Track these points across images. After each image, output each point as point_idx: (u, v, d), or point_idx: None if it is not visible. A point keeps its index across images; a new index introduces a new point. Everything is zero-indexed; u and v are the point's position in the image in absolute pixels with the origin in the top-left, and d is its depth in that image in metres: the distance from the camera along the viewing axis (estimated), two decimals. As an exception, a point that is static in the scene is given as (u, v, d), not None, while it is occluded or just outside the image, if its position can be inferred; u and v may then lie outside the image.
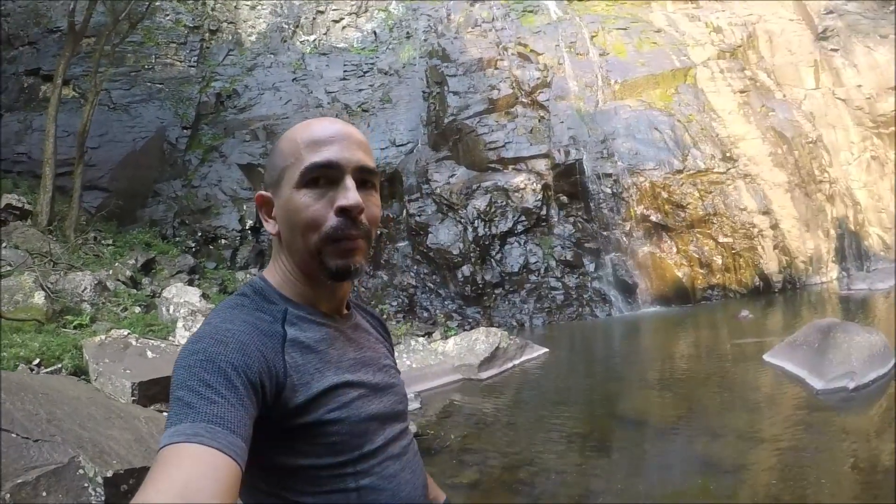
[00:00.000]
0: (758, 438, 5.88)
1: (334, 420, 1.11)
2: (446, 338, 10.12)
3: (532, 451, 6.05)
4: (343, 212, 1.13)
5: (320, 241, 1.14)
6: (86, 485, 4.00)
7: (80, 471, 4.04)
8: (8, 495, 3.46)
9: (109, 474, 4.12)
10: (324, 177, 1.14)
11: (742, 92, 16.46)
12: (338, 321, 1.25)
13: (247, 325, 1.09)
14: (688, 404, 7.25)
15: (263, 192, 1.23)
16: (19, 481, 3.58)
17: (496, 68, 16.51)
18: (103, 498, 3.97)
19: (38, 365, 7.23)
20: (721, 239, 14.58)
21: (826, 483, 4.72)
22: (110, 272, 11.20)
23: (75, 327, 8.80)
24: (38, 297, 9.02)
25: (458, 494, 5.11)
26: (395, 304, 13.59)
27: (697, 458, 5.57)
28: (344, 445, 1.12)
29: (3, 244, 11.18)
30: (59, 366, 7.20)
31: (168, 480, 0.84)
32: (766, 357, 8.37)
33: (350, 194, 1.13)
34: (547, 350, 10.22)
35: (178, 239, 14.26)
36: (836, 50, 17.33)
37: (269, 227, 1.23)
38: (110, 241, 13.25)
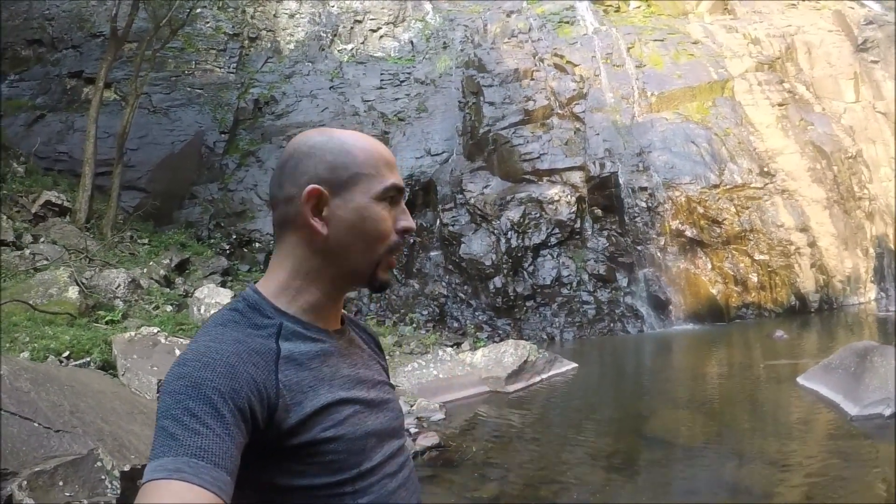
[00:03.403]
0: (788, 465, 5.70)
1: (330, 438, 1.09)
2: (475, 349, 10.04)
3: (555, 468, 5.97)
4: (405, 232, 1.22)
5: (383, 254, 1.19)
6: (103, 477, 4.02)
7: (98, 463, 4.07)
8: (25, 482, 3.48)
9: (127, 468, 4.15)
10: (394, 197, 1.21)
11: (780, 105, 16.15)
12: (333, 336, 1.21)
13: (237, 345, 1.05)
14: (717, 426, 7.10)
15: (320, 187, 1.16)
16: (37, 469, 3.61)
17: (532, 79, 16.46)
18: (119, 491, 3.98)
19: (68, 357, 7.32)
20: (757, 256, 14.29)
21: None
22: (144, 270, 11.35)
23: (107, 323, 8.92)
24: (72, 292, 9.17)
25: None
26: (425, 313, 13.54)
27: (725, 483, 5.44)
28: (342, 464, 1.10)
29: (42, 239, 11.42)
30: (88, 359, 7.28)
31: None
32: (799, 380, 8.15)
33: (410, 218, 1.25)
34: (576, 365, 10.05)
35: (212, 241, 14.40)
36: (876, 62, 16.92)
37: (318, 225, 1.16)
38: (146, 241, 13.46)
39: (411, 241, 14.85)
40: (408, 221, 1.22)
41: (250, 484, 1.04)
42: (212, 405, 0.95)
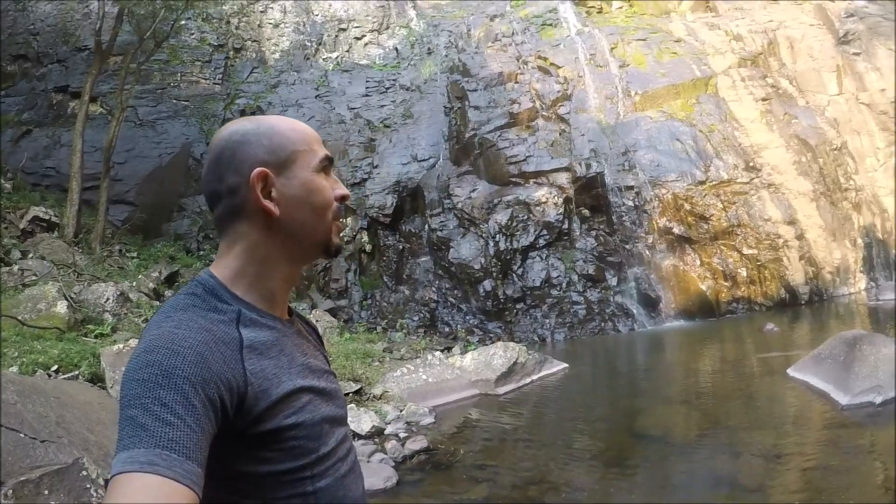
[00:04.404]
0: (782, 456, 5.68)
1: (293, 425, 1.11)
2: (465, 353, 10.06)
3: (546, 468, 5.92)
4: (343, 199, 1.27)
5: (330, 221, 1.24)
6: (88, 486, 4.02)
7: (84, 472, 4.07)
8: (10, 492, 3.49)
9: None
10: (327, 167, 1.26)
11: (764, 100, 16.24)
12: (285, 325, 1.24)
13: (203, 333, 1.05)
14: (710, 420, 7.05)
15: (266, 169, 1.18)
16: (22, 479, 3.61)
17: (516, 82, 16.53)
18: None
19: (56, 371, 7.34)
20: (745, 250, 14.35)
21: (851, 500, 4.54)
22: (133, 284, 11.35)
23: (96, 336, 8.93)
24: (61, 307, 9.17)
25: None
26: (416, 318, 13.57)
27: (720, 477, 5.40)
28: (302, 449, 1.13)
29: (30, 255, 11.41)
30: (77, 373, 7.29)
31: None
32: (790, 371, 8.13)
33: (343, 186, 1.30)
34: (566, 365, 10.06)
35: (202, 253, 14.40)
36: (858, 54, 17.04)
37: (271, 206, 1.17)
38: (135, 254, 13.47)
39: (400, 247, 14.90)
40: (343, 189, 1.28)
41: (214, 473, 1.02)
42: (183, 395, 0.94)
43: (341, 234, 1.30)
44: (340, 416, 1.27)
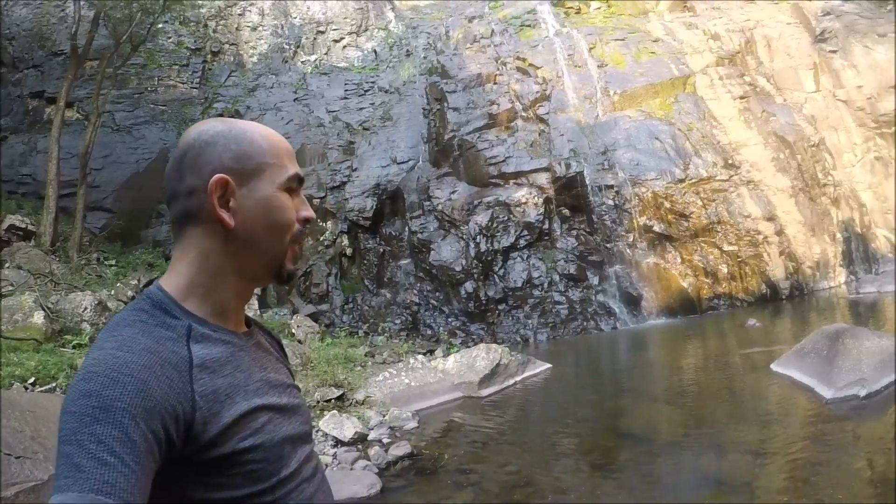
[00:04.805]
0: (767, 453, 5.68)
1: (250, 448, 1.05)
2: (447, 355, 10.03)
3: (531, 470, 5.92)
4: (306, 221, 1.20)
5: (288, 243, 1.18)
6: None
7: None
8: (-14, 510, 3.46)
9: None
10: (294, 188, 1.20)
11: (742, 98, 16.37)
12: (242, 339, 1.18)
13: (147, 355, 0.98)
14: (695, 418, 7.06)
15: (227, 177, 1.12)
16: (-2, 497, 3.58)
17: (495, 83, 16.53)
18: None
19: (33, 384, 7.25)
20: (726, 247, 14.45)
21: (839, 496, 4.53)
22: (112, 292, 11.22)
23: (74, 347, 8.83)
24: (38, 317, 9.07)
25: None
26: (398, 322, 13.53)
27: (706, 476, 5.40)
28: (262, 472, 1.07)
29: (7, 264, 11.24)
30: (55, 385, 7.20)
31: None
32: (773, 367, 8.16)
33: (310, 208, 1.23)
34: (550, 366, 10.07)
35: (181, 260, 14.26)
36: (834, 51, 17.22)
37: (226, 216, 1.12)
38: (113, 262, 13.32)
39: (381, 250, 14.85)
40: (308, 211, 1.21)
41: (164, 500, 0.97)
42: (122, 430, 0.89)
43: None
44: (304, 432, 1.22)
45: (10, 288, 10.30)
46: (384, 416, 7.67)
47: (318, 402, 7.78)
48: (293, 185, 1.19)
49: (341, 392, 8.12)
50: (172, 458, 0.97)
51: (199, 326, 1.09)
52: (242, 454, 1.04)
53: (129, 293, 11.52)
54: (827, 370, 7.08)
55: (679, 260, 14.47)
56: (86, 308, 10.11)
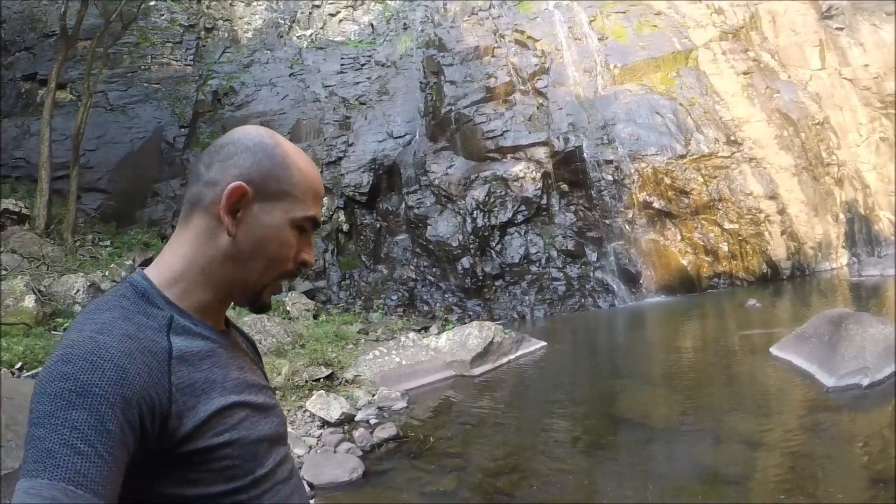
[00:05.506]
0: (763, 443, 5.45)
1: (225, 443, 1.02)
2: (440, 333, 9.92)
3: (518, 456, 5.72)
4: (303, 264, 1.19)
5: (274, 278, 1.16)
6: (34, 491, 3.93)
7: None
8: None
9: (55, 481, 4.04)
10: (306, 229, 1.18)
11: (745, 73, 16.08)
12: (221, 336, 1.15)
13: (128, 342, 0.95)
14: (691, 403, 6.82)
15: (247, 187, 1.10)
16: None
17: (493, 56, 16.29)
18: None
19: (20, 369, 7.19)
20: (727, 225, 14.28)
21: (838, 493, 4.35)
22: (106, 273, 11.17)
23: (65, 330, 8.74)
24: (29, 301, 9.01)
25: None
26: (394, 297, 13.45)
27: (698, 465, 5.19)
28: (236, 470, 1.04)
29: (1, 248, 11.19)
30: (41, 369, 7.14)
31: None
32: (773, 350, 7.93)
33: (312, 254, 1.21)
34: (545, 344, 9.95)
35: (177, 239, 14.20)
36: (841, 29, 16.88)
37: (228, 222, 1.09)
38: (108, 243, 13.25)
39: (377, 226, 14.76)
40: (309, 256, 1.19)
41: (136, 497, 0.94)
42: (98, 417, 0.85)
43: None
44: (280, 434, 1.19)
45: (4, 272, 10.26)
46: (373, 396, 7.57)
47: (307, 381, 7.69)
48: (306, 226, 1.17)
49: (330, 371, 8.02)
50: (146, 452, 0.93)
51: (180, 318, 1.07)
52: (217, 450, 1.01)
53: (123, 273, 11.47)
54: (829, 357, 6.80)
55: (679, 237, 14.31)
56: (78, 290, 10.06)
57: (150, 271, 1.11)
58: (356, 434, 6.34)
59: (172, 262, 1.11)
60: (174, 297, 1.08)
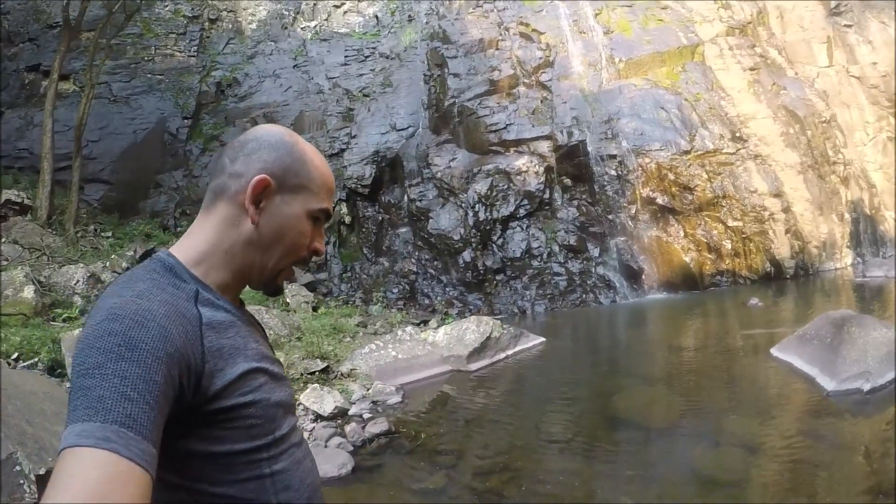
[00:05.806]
0: (761, 447, 5.36)
1: (250, 402, 1.12)
2: (438, 327, 9.88)
3: (511, 454, 5.64)
4: (315, 253, 1.31)
5: (289, 264, 1.28)
6: (21, 481, 3.99)
7: (18, 467, 4.03)
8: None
9: (42, 472, 4.06)
10: (320, 220, 1.30)
11: (752, 69, 15.92)
12: (238, 311, 1.25)
13: (166, 306, 1.04)
14: (690, 404, 6.70)
15: (271, 179, 1.21)
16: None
17: (497, 49, 16.19)
18: (36, 495, 3.98)
19: (17, 359, 7.20)
20: (730, 222, 14.15)
21: (836, 502, 4.29)
22: (107, 264, 11.18)
23: (64, 320, 8.78)
24: (28, 292, 9.02)
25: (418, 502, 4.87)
26: (395, 290, 13.43)
27: (694, 469, 5.09)
28: (259, 429, 1.14)
29: (3, 239, 11.21)
30: (37, 360, 7.16)
31: (78, 488, 0.82)
32: (774, 351, 7.81)
33: (323, 243, 1.34)
34: (544, 339, 9.87)
35: (179, 229, 14.19)
36: (849, 26, 16.69)
37: (253, 212, 1.20)
38: (110, 234, 13.27)
39: (380, 218, 14.73)
40: (320, 245, 1.31)
41: (165, 452, 0.99)
42: (146, 368, 0.93)
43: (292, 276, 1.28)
44: (291, 403, 1.30)
45: (5, 263, 10.28)
46: (368, 390, 7.53)
47: (302, 374, 7.67)
48: (320, 217, 1.29)
49: (326, 364, 8.00)
50: (179, 409, 1.01)
51: (204, 292, 1.16)
52: (243, 408, 1.11)
53: (124, 265, 11.48)
54: (830, 360, 6.67)
55: (682, 234, 14.21)
56: (78, 281, 10.07)
57: (175, 251, 1.21)
58: (348, 429, 6.31)
59: (197, 245, 1.21)
60: (199, 275, 1.18)
